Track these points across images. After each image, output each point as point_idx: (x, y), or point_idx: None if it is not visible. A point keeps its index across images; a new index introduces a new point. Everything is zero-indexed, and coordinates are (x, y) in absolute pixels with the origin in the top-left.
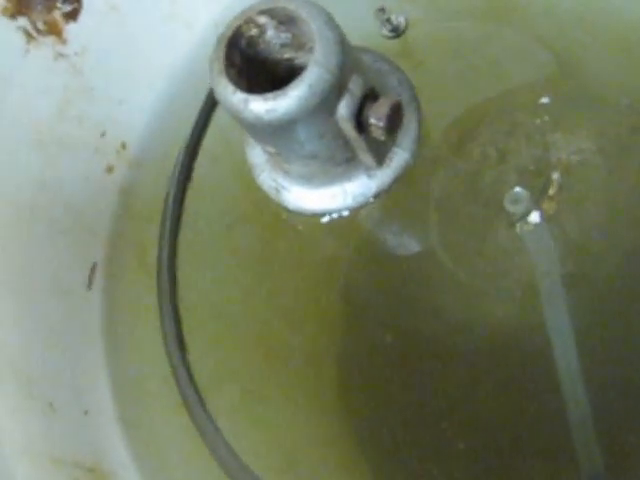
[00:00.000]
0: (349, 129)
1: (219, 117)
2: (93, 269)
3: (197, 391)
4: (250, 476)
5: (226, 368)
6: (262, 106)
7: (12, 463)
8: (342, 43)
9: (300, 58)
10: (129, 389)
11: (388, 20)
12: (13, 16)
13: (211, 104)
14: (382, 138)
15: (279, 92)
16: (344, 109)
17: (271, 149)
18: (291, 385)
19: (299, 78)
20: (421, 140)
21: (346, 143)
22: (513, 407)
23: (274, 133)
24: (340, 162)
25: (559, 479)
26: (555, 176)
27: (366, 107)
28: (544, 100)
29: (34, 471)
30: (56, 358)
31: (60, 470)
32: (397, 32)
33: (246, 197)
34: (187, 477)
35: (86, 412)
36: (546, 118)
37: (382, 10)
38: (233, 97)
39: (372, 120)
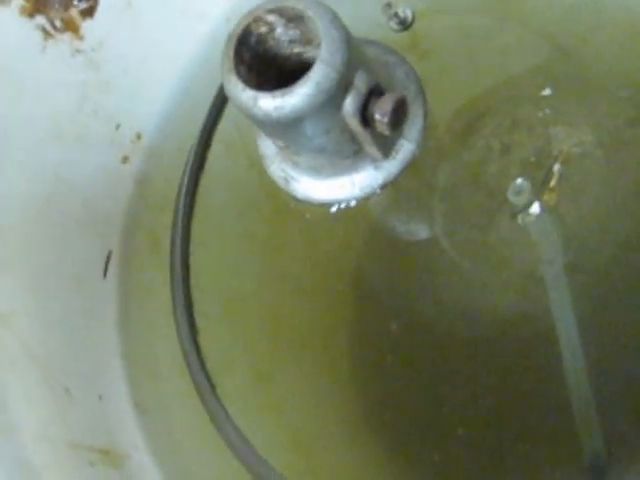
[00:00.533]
0: (355, 124)
1: (232, 107)
2: (108, 257)
3: (208, 375)
4: (258, 459)
5: (238, 352)
6: (270, 103)
7: (30, 446)
8: (348, 42)
9: (309, 52)
10: (142, 374)
11: (395, 14)
12: (31, 15)
13: (223, 95)
14: (387, 133)
15: (286, 90)
16: (350, 105)
17: (280, 143)
18: (301, 369)
19: (306, 76)
20: (427, 131)
21: (353, 137)
22: (514, 393)
23: (282, 128)
24: (347, 155)
25: (560, 464)
26: (556, 168)
27: (371, 103)
28: (546, 92)
29: (51, 454)
30: (72, 345)
31: (76, 453)
32: (404, 25)
33: (258, 185)
34: (198, 459)
35: (101, 397)
36: (547, 111)
37: (389, 5)
38: (243, 94)
39: (377, 116)
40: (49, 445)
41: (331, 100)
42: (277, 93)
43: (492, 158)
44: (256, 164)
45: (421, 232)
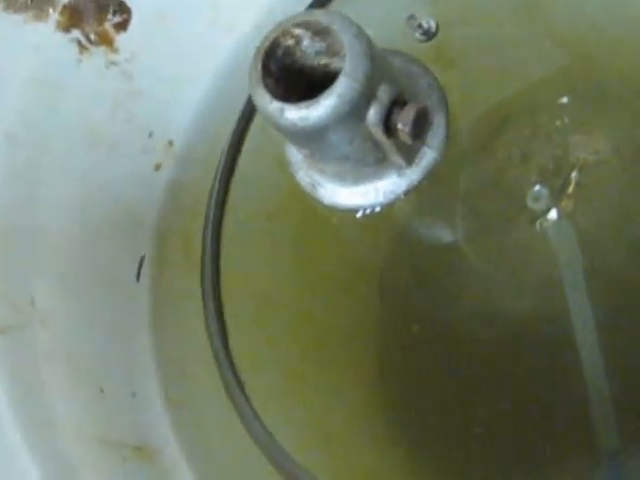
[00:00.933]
0: (378, 134)
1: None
2: (141, 261)
3: (237, 375)
4: (285, 456)
5: (266, 352)
6: (296, 114)
7: (66, 442)
8: (371, 55)
9: (335, 63)
10: (175, 373)
11: (419, 25)
12: (67, 29)
13: (252, 103)
14: (409, 142)
15: (311, 102)
16: (373, 115)
17: (305, 151)
18: (328, 368)
19: (330, 89)
20: (449, 139)
21: (376, 146)
22: (533, 393)
23: (308, 138)
24: (371, 163)
25: (577, 462)
26: (573, 175)
27: (394, 112)
28: (564, 100)
29: (86, 449)
30: (106, 345)
31: (109, 449)
32: (428, 35)
33: (287, 190)
34: (228, 455)
35: (134, 395)
36: (566, 120)
37: (413, 17)
38: (270, 106)
39: (399, 125)
40: (84, 441)
41: (354, 111)
42: (302, 105)
43: (512, 165)
44: (285, 170)
45: (444, 237)
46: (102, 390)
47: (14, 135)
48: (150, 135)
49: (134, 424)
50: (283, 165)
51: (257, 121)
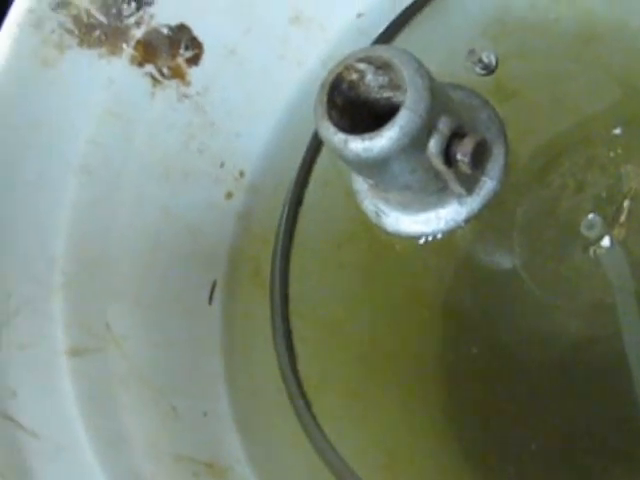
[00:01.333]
0: (438, 164)
1: None
2: (213, 286)
3: (304, 395)
4: (350, 473)
5: (333, 374)
6: (359, 145)
7: (139, 460)
8: (431, 89)
9: (397, 96)
10: (244, 393)
11: (480, 60)
12: (140, 64)
13: (319, 135)
14: (468, 172)
15: (374, 134)
16: (434, 146)
17: (370, 181)
18: (392, 389)
19: (392, 121)
20: (508, 170)
21: (437, 175)
22: (586, 412)
23: (371, 168)
24: (433, 192)
25: None
26: (626, 204)
27: (454, 143)
28: (617, 131)
29: (159, 466)
30: (179, 366)
31: (181, 465)
32: (489, 69)
33: (355, 218)
34: (296, 473)
35: (205, 414)
36: (619, 150)
37: (472, 51)
38: (334, 137)
39: (459, 156)
40: (157, 457)
41: (415, 142)
42: (365, 136)
43: (567, 195)
44: (351, 199)
45: (503, 263)
46: (174, 409)
47: (89, 166)
48: (222, 165)
49: (205, 441)
50: (350, 194)
51: (324, 152)
